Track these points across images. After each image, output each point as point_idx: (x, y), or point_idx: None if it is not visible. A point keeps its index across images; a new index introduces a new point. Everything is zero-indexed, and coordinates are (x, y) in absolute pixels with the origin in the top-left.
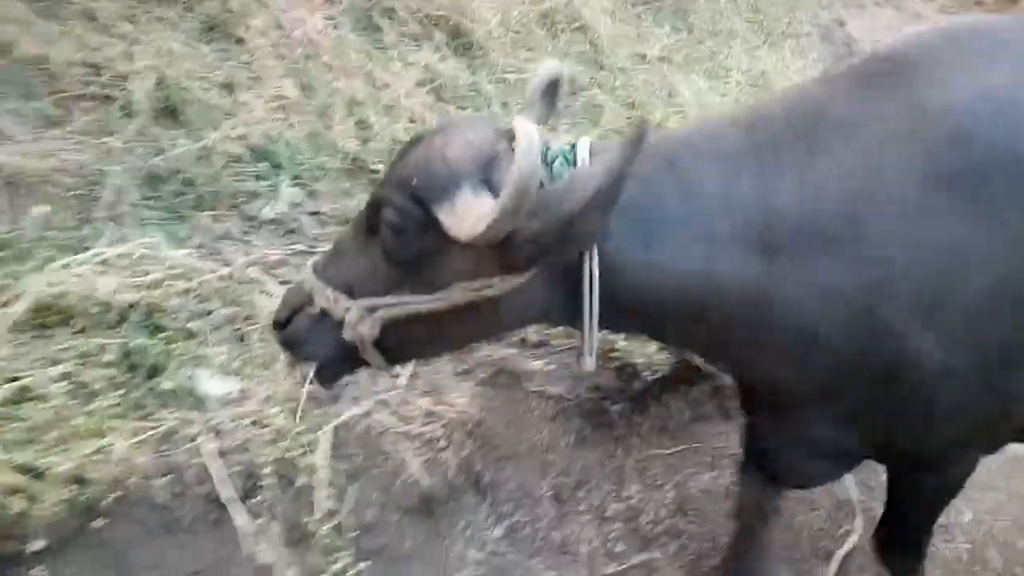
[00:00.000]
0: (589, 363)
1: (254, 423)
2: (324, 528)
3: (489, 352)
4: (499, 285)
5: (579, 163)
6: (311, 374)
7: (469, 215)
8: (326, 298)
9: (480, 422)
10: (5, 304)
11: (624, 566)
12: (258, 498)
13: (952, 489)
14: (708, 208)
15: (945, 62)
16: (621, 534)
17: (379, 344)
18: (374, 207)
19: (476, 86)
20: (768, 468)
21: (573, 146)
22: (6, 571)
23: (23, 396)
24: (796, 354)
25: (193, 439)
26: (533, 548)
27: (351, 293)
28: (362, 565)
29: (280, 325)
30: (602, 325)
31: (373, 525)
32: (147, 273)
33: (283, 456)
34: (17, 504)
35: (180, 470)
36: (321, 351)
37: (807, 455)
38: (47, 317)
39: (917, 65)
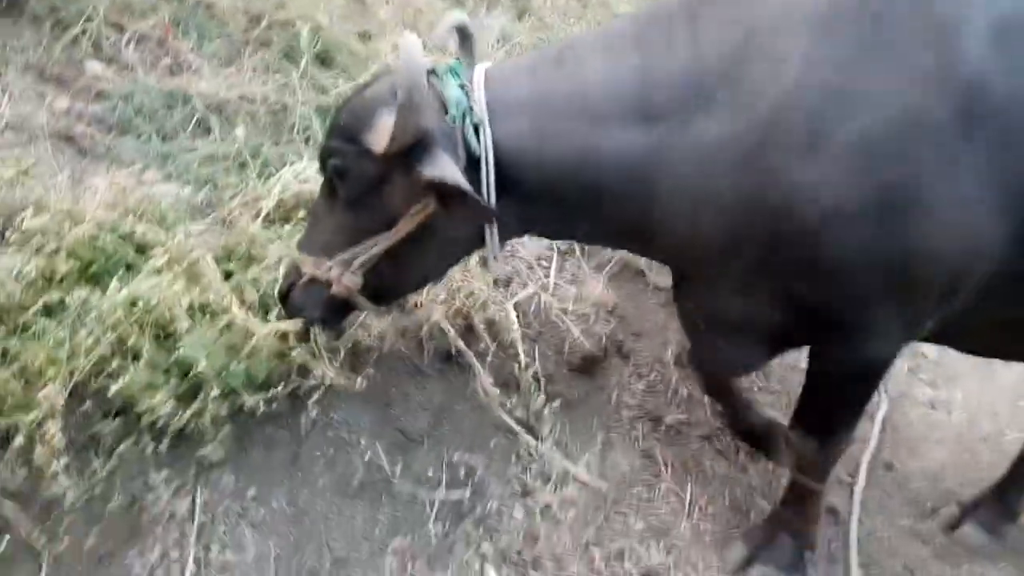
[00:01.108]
0: (492, 266)
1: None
2: (526, 375)
3: (611, 254)
4: (432, 206)
5: (471, 80)
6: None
7: (386, 130)
8: (310, 265)
9: (616, 305)
10: (253, 201)
11: None
12: (475, 350)
13: (867, 367)
14: (590, 93)
15: None
16: None
17: (364, 290)
18: (323, 162)
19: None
20: (695, 355)
21: (458, 61)
22: (294, 404)
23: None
24: (690, 219)
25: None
26: (667, 399)
27: (330, 254)
28: (553, 404)
29: (283, 298)
30: (523, 228)
31: (552, 376)
32: None
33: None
34: (300, 356)
35: (417, 330)
36: (318, 311)
37: (721, 333)
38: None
39: None
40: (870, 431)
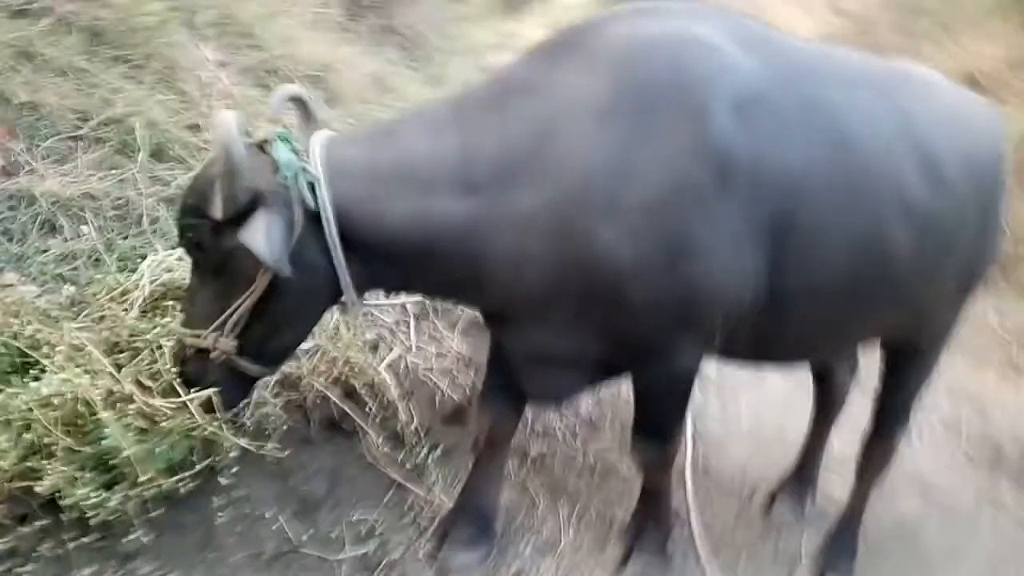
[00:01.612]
0: (352, 313)
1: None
2: (408, 430)
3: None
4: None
5: (309, 149)
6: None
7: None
8: (190, 337)
9: (471, 357)
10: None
11: None
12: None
13: (679, 381)
14: (418, 165)
15: (605, 25)
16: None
17: (244, 353)
18: (182, 240)
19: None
20: (518, 385)
21: (287, 130)
22: (199, 486)
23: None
24: (514, 274)
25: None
26: (527, 435)
27: (205, 325)
28: (434, 454)
29: (180, 373)
30: (369, 284)
31: (429, 429)
32: None
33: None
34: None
35: (302, 401)
36: (211, 380)
37: (549, 367)
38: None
39: (584, 31)
40: (686, 442)
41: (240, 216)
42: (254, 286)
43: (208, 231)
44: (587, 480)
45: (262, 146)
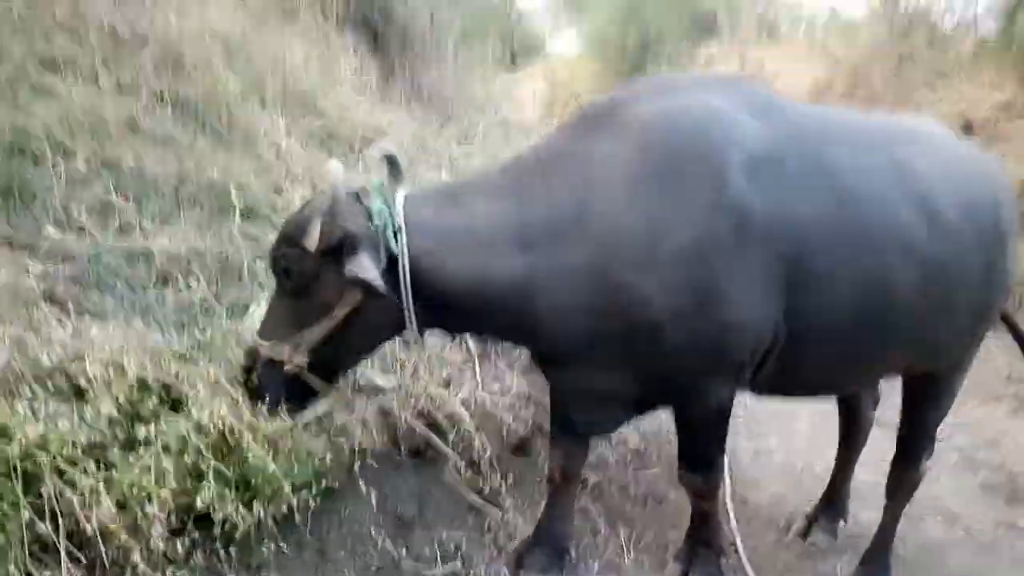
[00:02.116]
0: (412, 345)
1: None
2: (484, 458)
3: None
4: (358, 296)
5: (393, 202)
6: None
7: (316, 233)
8: (267, 349)
9: (530, 393)
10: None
11: None
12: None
13: (716, 415)
14: (480, 226)
15: (630, 99)
16: None
17: (312, 369)
18: (273, 265)
19: None
20: (569, 420)
21: (380, 181)
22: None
23: None
24: (562, 321)
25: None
26: (586, 464)
27: (282, 340)
28: (507, 481)
29: (246, 383)
30: (434, 322)
31: (500, 457)
32: None
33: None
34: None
35: (393, 431)
36: (277, 390)
37: (593, 403)
38: None
39: (612, 105)
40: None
41: (331, 251)
42: (334, 312)
43: (299, 259)
44: (641, 507)
45: (358, 195)
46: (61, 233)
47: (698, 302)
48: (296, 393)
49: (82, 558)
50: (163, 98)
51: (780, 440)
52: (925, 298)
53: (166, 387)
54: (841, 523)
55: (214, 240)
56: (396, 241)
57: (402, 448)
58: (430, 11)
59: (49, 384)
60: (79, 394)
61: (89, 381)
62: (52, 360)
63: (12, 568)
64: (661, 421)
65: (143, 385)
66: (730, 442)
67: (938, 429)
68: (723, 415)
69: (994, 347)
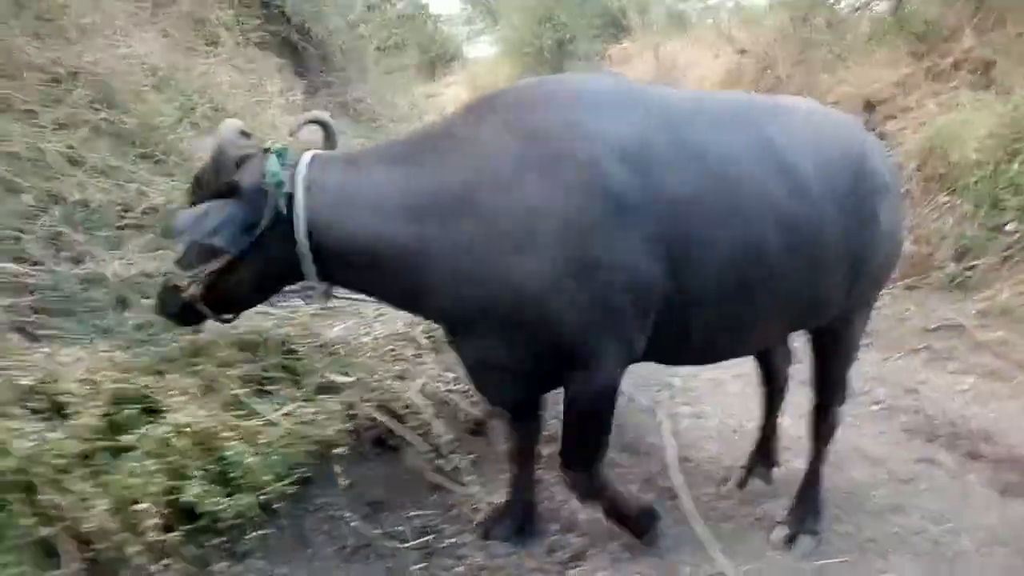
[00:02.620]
0: (321, 301)
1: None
2: (443, 440)
3: None
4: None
5: (294, 163)
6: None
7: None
8: (171, 277)
9: None
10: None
11: None
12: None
13: (602, 391)
14: (376, 192)
15: (518, 92)
16: None
17: (206, 300)
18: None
19: None
20: (477, 390)
21: (284, 148)
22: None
23: None
24: (453, 291)
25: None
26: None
27: (184, 270)
28: (465, 460)
29: (159, 296)
30: (338, 282)
31: (459, 439)
32: None
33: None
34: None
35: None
36: (174, 311)
37: (496, 375)
38: None
39: (502, 96)
40: (666, 442)
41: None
42: (220, 256)
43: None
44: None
45: (250, 155)
46: (17, 266)
47: (578, 275)
48: (189, 319)
49: (82, 557)
50: (100, 130)
51: (713, 405)
52: (794, 259)
53: (141, 398)
54: (774, 469)
55: (163, 262)
56: (288, 199)
57: (365, 439)
58: (347, 26)
59: (29, 405)
60: (59, 411)
61: (68, 398)
62: (31, 382)
63: (20, 570)
64: None
65: (120, 398)
66: (669, 408)
67: (850, 379)
68: (611, 394)
69: (912, 305)
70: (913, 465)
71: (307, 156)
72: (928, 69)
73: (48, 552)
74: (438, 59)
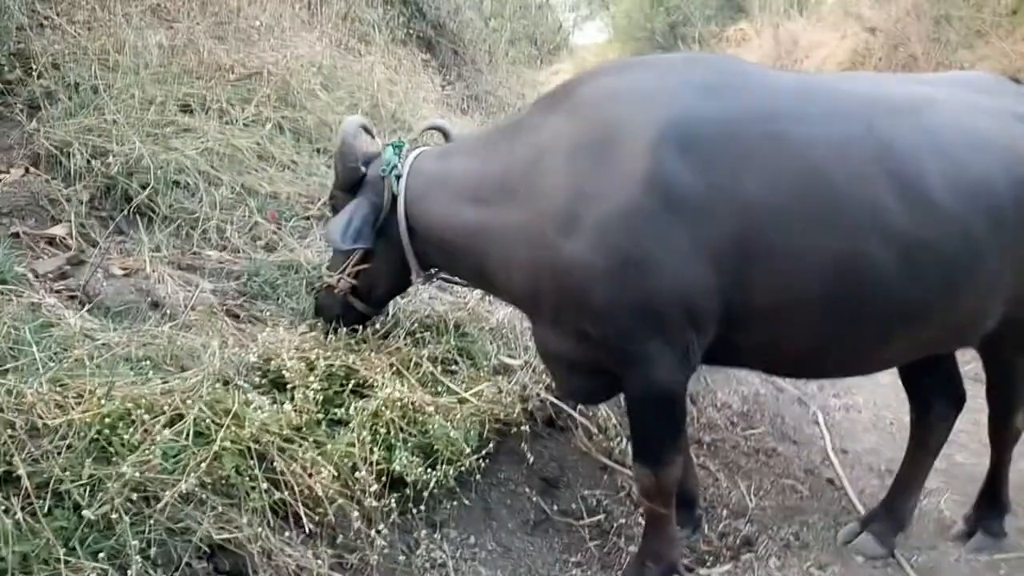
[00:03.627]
0: (418, 281)
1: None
2: (610, 423)
3: None
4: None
5: (403, 154)
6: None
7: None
8: (328, 277)
9: None
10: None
11: None
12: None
13: (659, 391)
14: (454, 179)
15: (588, 78)
16: None
17: (355, 294)
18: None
19: None
20: (557, 386)
21: (403, 143)
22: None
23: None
24: (506, 274)
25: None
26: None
27: (334, 269)
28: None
29: (315, 299)
30: (435, 266)
31: (620, 421)
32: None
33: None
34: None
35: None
36: (332, 310)
37: (561, 367)
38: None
39: (575, 82)
40: (819, 434)
41: (351, 187)
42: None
43: (332, 199)
44: (754, 460)
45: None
46: (219, 252)
47: (622, 267)
48: (349, 316)
49: (308, 521)
50: (281, 127)
51: (865, 397)
52: (916, 279)
53: (348, 374)
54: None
55: None
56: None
57: (537, 419)
58: (480, 19)
59: (254, 379)
60: (277, 386)
61: (287, 374)
62: (254, 358)
63: (261, 531)
64: (756, 384)
65: (330, 374)
66: (820, 400)
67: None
68: (669, 398)
69: None
70: None
71: (418, 150)
72: None
73: (277, 514)
74: (543, 47)
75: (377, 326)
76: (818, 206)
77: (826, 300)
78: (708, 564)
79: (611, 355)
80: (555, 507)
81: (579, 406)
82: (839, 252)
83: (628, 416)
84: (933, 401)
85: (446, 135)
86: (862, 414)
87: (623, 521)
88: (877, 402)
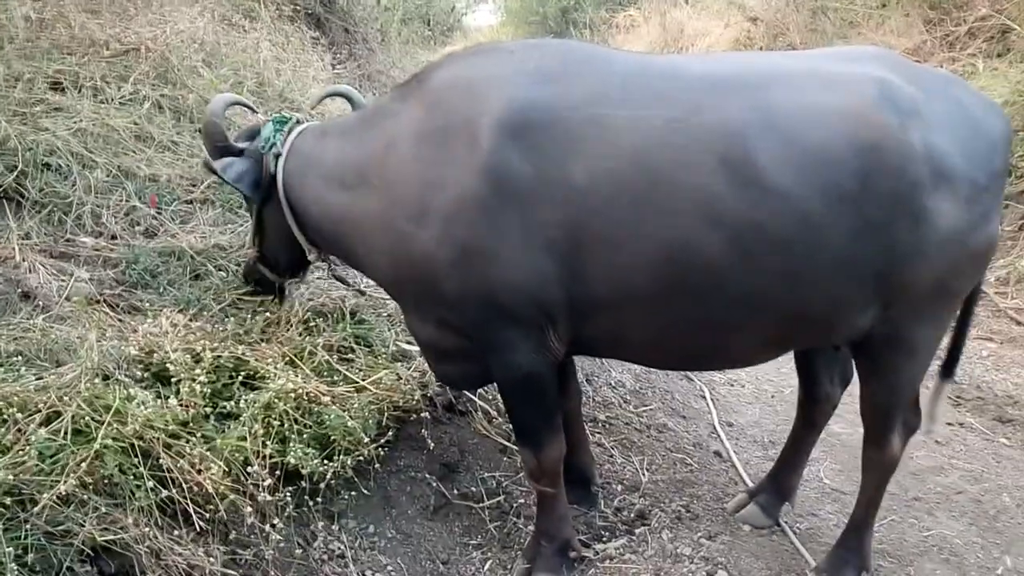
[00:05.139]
0: (312, 258)
1: None
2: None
3: None
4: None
5: (286, 130)
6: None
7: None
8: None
9: None
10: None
11: None
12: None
13: (522, 376)
14: (324, 161)
15: (437, 66)
16: None
17: (263, 262)
18: None
19: None
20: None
21: (287, 118)
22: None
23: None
24: (371, 260)
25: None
26: None
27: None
28: None
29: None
30: (317, 246)
31: None
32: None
33: None
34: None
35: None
36: (251, 275)
37: (434, 352)
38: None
39: (427, 70)
40: (706, 408)
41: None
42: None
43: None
44: (647, 436)
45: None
46: (95, 239)
47: (465, 257)
48: (264, 284)
49: (198, 519)
50: (161, 106)
51: (748, 371)
52: (752, 265)
53: (238, 366)
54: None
55: (232, 235)
56: (276, 164)
57: (437, 404)
58: None
59: (136, 372)
60: (162, 380)
61: (171, 367)
62: (135, 351)
63: (148, 530)
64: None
65: (218, 366)
66: (706, 375)
67: (895, 402)
68: (535, 383)
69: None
70: (945, 428)
71: (302, 125)
72: (943, 37)
73: (165, 512)
74: (436, 27)
75: (268, 314)
76: (640, 193)
77: (661, 290)
78: (604, 539)
79: (473, 342)
80: (455, 491)
81: (478, 390)
82: (667, 240)
83: (502, 401)
84: (820, 380)
85: (352, 102)
86: (745, 388)
87: (522, 501)
88: (759, 376)
